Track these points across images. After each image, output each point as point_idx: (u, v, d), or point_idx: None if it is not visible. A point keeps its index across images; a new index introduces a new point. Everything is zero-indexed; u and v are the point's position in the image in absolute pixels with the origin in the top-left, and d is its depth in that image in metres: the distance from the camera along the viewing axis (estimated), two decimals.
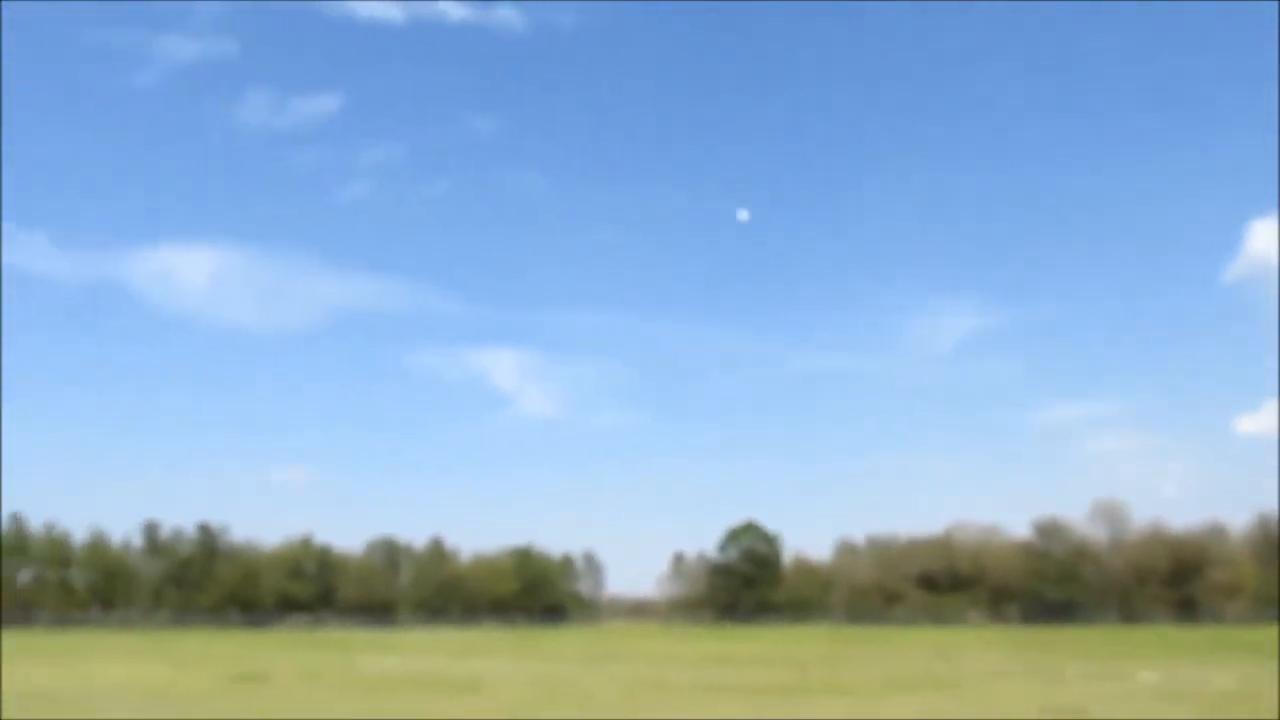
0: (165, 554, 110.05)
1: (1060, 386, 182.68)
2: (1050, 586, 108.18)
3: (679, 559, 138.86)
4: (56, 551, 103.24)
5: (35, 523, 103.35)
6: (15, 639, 61.59)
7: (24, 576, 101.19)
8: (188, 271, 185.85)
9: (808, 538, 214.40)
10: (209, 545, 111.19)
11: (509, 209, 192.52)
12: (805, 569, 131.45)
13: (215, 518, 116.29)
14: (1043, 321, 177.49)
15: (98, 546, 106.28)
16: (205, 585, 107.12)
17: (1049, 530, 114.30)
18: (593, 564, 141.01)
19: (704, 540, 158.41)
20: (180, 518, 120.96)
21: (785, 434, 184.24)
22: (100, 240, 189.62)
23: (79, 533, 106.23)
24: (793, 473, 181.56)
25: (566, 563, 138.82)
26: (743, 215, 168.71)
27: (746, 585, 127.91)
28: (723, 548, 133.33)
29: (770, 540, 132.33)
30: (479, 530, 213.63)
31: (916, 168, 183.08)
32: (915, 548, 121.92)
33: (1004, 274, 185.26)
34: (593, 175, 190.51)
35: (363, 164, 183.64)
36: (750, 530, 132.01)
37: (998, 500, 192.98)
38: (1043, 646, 47.24)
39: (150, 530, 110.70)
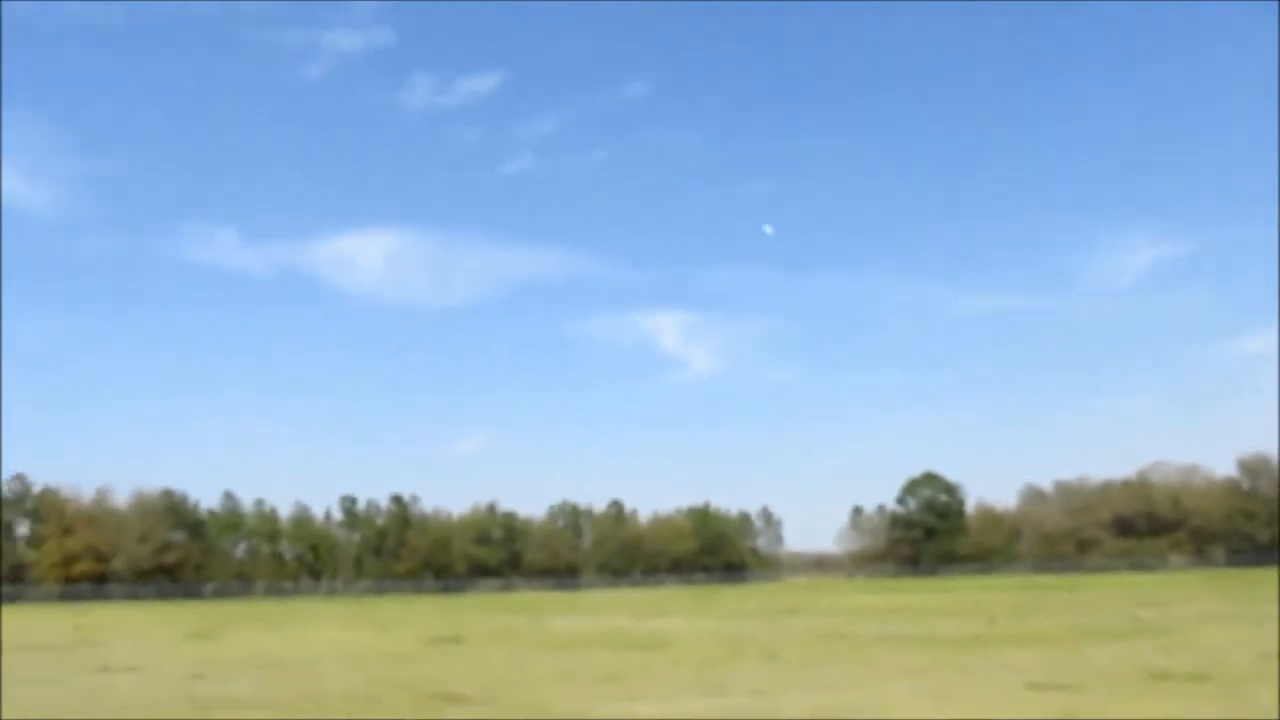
0: (363, 525, 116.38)
1: (1251, 314, 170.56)
2: (1259, 527, 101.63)
3: (857, 512, 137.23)
4: (266, 526, 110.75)
5: (246, 500, 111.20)
6: (236, 607, 66.59)
7: (240, 550, 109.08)
8: (365, 256, 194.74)
9: (990, 486, 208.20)
10: (402, 515, 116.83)
11: (666, 170, 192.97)
12: (989, 518, 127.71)
13: (406, 489, 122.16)
14: (1225, 246, 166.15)
15: (302, 520, 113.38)
16: (400, 554, 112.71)
17: (1255, 467, 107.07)
18: (770, 520, 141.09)
19: (882, 493, 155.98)
20: (374, 491, 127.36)
21: (960, 380, 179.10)
22: (284, 232, 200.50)
23: (284, 508, 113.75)
24: (971, 420, 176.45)
25: (744, 520, 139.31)
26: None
27: (928, 536, 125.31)
28: (902, 499, 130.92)
29: (951, 490, 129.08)
30: (656, 491, 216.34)
31: (1082, 98, 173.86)
32: (1109, 491, 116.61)
33: (1179, 202, 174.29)
34: (746, 130, 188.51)
35: (522, 138, 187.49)
36: (930, 480, 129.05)
37: (1194, 439, 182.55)
38: (1253, 589, 44.45)
39: (348, 504, 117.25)
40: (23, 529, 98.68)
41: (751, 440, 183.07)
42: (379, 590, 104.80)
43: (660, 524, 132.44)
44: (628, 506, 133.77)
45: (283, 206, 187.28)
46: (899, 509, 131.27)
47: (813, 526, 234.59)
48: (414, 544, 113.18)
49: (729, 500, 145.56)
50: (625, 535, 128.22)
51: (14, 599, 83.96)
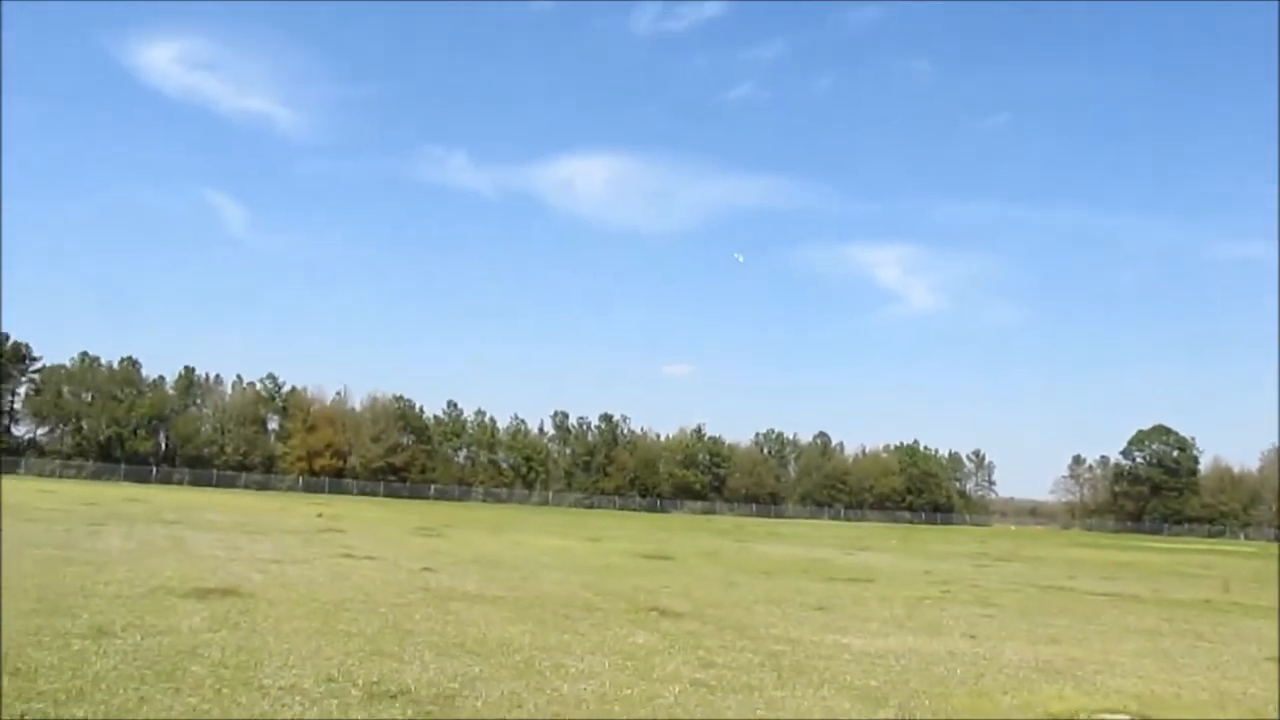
0: (574, 441, 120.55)
1: None
2: None
3: (1078, 462, 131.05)
4: (485, 435, 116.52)
5: (468, 410, 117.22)
6: (457, 509, 70.73)
7: (460, 456, 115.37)
8: (586, 180, 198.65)
9: (1229, 446, 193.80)
10: (611, 434, 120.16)
11: (895, 100, 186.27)
12: (1226, 478, 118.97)
13: (615, 409, 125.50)
14: None
15: (518, 432, 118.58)
16: (608, 470, 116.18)
17: None
18: (981, 463, 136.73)
19: (1105, 443, 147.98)
20: (585, 408, 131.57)
21: (1204, 331, 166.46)
22: (510, 155, 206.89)
23: (502, 420, 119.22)
24: (1209, 373, 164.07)
25: (954, 461, 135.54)
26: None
27: (1154, 492, 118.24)
28: (1128, 452, 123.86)
29: (1184, 445, 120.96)
30: (864, 427, 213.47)
31: None
32: None
33: None
34: (981, 61, 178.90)
35: (747, 64, 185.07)
36: (1161, 433, 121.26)
37: None
38: None
39: (560, 419, 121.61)
40: (273, 424, 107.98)
41: (968, 380, 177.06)
42: (587, 504, 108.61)
43: (867, 459, 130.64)
44: (834, 439, 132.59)
45: (510, 131, 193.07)
46: (1124, 462, 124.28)
47: (1026, 473, 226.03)
48: (622, 462, 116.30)
49: (940, 440, 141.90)
50: (830, 468, 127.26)
51: (264, 487, 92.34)
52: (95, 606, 11.43)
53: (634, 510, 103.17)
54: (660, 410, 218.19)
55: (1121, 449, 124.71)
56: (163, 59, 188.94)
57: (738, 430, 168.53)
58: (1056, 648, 13.06)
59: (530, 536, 36.44)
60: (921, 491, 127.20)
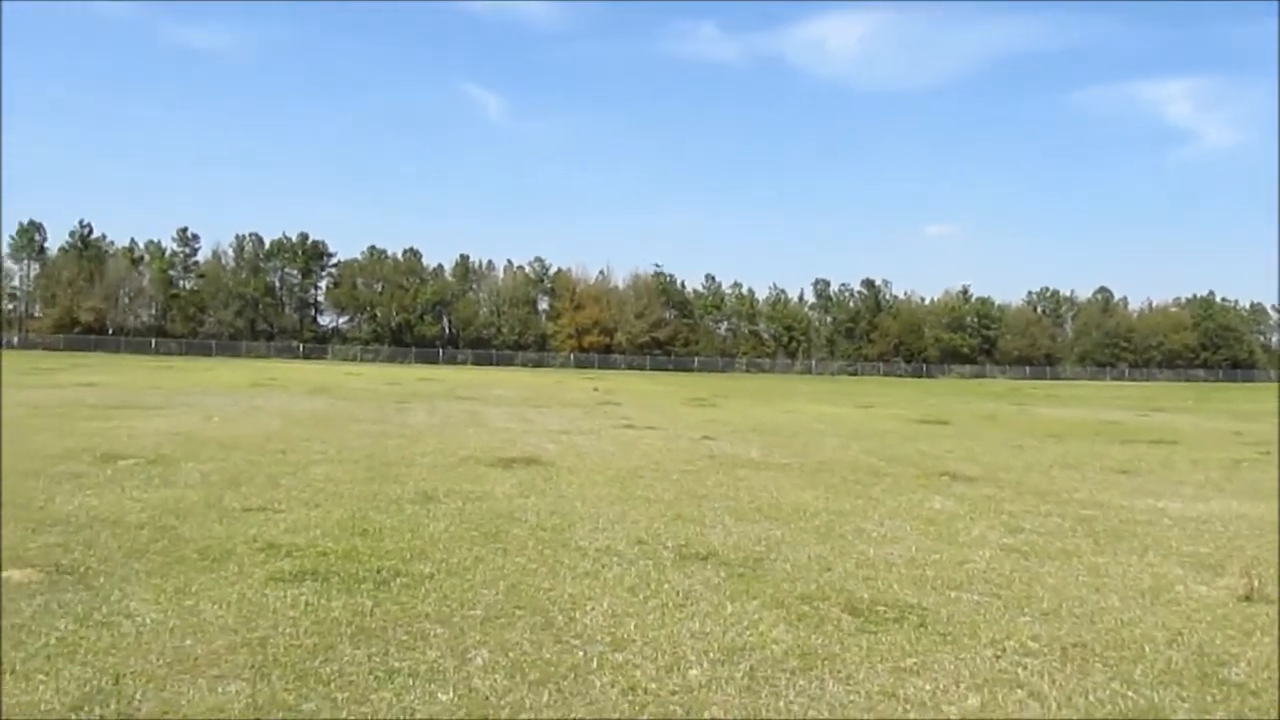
0: (835, 308, 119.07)
1: None
2: None
3: None
4: (745, 307, 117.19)
5: (725, 283, 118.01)
6: (723, 380, 71.97)
7: (722, 328, 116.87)
8: (837, 39, 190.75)
9: None
10: (874, 299, 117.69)
11: None
12: None
13: (876, 274, 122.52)
14: None
15: (778, 302, 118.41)
16: (872, 336, 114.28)
17: None
18: None
19: None
20: (845, 275, 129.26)
21: None
22: (758, 21, 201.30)
23: (760, 291, 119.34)
24: None
25: (1257, 312, 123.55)
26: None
27: None
28: None
29: None
30: (1150, 282, 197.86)
31: None
32: None
33: None
34: None
35: None
36: None
37: None
38: None
39: (821, 287, 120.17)
40: (543, 304, 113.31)
41: (1270, 224, 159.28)
42: (851, 371, 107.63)
43: (1154, 314, 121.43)
44: (1115, 296, 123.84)
45: None
46: None
47: None
48: (885, 327, 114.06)
49: (1238, 291, 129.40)
50: (1112, 325, 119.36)
51: (538, 364, 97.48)
52: (417, 475, 12.42)
53: (899, 376, 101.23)
54: (923, 273, 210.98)
55: None
56: None
57: (1007, 290, 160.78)
58: None
59: (800, 404, 36.48)
60: (1219, 347, 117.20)
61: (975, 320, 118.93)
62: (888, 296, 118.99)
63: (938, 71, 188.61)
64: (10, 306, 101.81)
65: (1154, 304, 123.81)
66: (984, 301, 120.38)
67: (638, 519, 9.71)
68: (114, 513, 9.14)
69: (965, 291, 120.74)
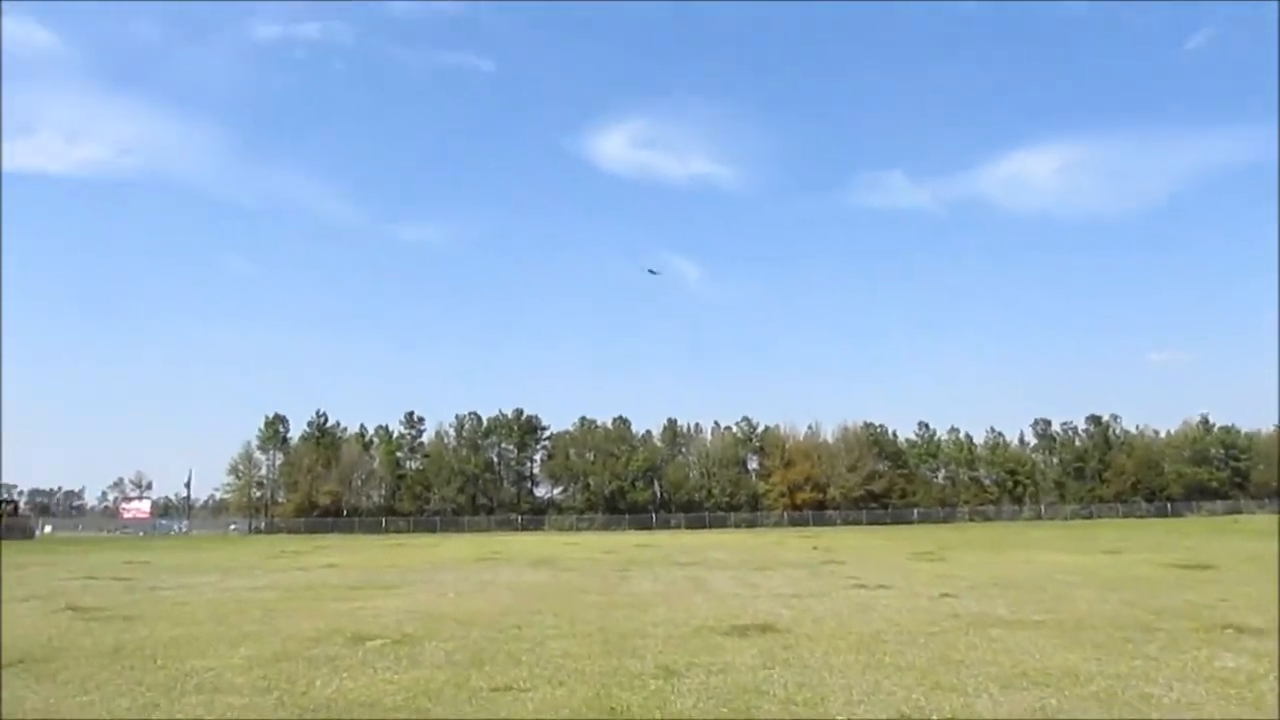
0: (1060, 448, 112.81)
1: None
2: None
3: None
4: (962, 453, 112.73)
5: (940, 429, 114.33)
6: (946, 531, 68.71)
7: (939, 476, 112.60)
8: (1035, 171, 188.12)
9: None
10: (1102, 435, 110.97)
11: None
12: None
13: (1098, 409, 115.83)
14: None
15: (997, 446, 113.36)
16: (1104, 475, 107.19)
17: None
18: None
19: None
20: (1065, 412, 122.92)
21: None
22: (946, 165, 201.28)
23: (977, 435, 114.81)
24: None
25: None
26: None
27: None
28: None
29: None
30: None
31: None
32: None
33: None
34: None
35: (1203, 9, 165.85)
36: None
37: None
38: None
39: (1041, 426, 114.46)
40: (753, 464, 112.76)
41: None
42: (1085, 514, 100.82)
43: None
44: None
45: (941, 140, 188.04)
46: None
47: None
48: (1119, 465, 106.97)
49: None
50: None
51: (752, 524, 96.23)
52: (654, 647, 12.19)
53: (1141, 517, 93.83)
54: (1152, 404, 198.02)
55: None
56: (613, 145, 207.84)
57: (1253, 418, 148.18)
58: None
59: (1038, 553, 34.19)
60: None
61: (1221, 451, 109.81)
62: (1117, 431, 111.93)
63: (1143, 195, 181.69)
64: (258, 494, 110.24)
65: None
66: (1228, 430, 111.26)
67: (893, 689, 9.11)
68: (369, 695, 9.34)
69: (1206, 420, 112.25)
